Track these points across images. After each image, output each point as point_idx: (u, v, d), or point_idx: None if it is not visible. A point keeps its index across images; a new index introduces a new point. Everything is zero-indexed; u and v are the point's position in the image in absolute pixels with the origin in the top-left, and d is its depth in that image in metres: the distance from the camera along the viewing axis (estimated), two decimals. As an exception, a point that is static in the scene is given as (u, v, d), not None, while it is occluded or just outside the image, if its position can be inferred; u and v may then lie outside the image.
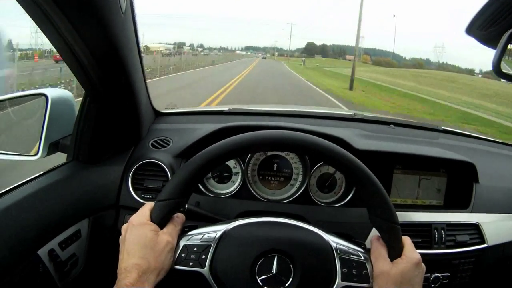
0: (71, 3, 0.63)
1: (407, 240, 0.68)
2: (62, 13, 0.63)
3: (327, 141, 0.69)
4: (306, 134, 0.69)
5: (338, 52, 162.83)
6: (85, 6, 0.65)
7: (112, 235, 0.96)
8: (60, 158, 0.99)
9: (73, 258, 0.88)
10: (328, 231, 0.70)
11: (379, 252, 0.67)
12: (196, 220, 0.85)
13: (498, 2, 0.54)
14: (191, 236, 0.67)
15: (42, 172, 0.92)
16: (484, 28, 0.61)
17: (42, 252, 0.79)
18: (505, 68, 0.65)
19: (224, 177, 1.07)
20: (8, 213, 0.76)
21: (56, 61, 20.15)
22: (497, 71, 0.64)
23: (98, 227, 0.96)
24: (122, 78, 0.88)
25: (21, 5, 0.64)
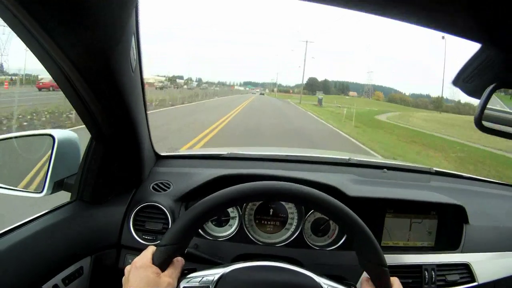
0: (90, 70, 0.74)
1: (395, 281, 0.74)
2: (78, 73, 0.73)
3: (319, 192, 0.77)
4: (300, 186, 0.77)
5: (340, 89, 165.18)
6: (101, 67, 0.75)
7: (113, 273, 1.02)
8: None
9: None
10: (320, 274, 0.77)
11: None
12: (194, 262, 0.92)
13: (479, 59, 0.58)
14: (190, 278, 0.74)
15: (47, 211, 0.99)
16: (468, 81, 0.65)
17: (46, 287, 0.85)
18: (487, 122, 0.68)
19: (222, 220, 1.14)
20: (15, 250, 0.83)
21: (40, 89, 19.58)
22: (478, 125, 0.68)
23: (100, 265, 1.02)
24: (128, 125, 0.97)
25: (41, 63, 0.73)
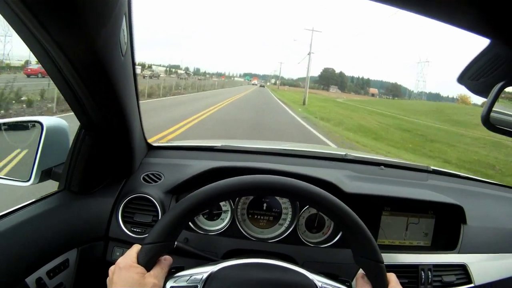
0: (77, 54, 0.76)
1: (391, 277, 0.80)
2: (65, 56, 0.76)
3: (315, 187, 0.82)
4: (295, 180, 0.82)
5: (360, 85, 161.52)
6: (88, 50, 0.77)
7: (100, 266, 1.08)
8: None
9: None
10: (313, 271, 0.82)
11: None
12: (184, 256, 0.98)
13: (487, 56, 0.59)
14: (178, 278, 0.77)
15: (33, 200, 1.05)
16: (475, 78, 0.67)
17: (30, 280, 0.91)
18: (495, 121, 0.71)
19: (214, 214, 1.21)
20: None
21: (28, 76, 19.77)
22: (485, 123, 0.71)
23: (86, 258, 1.09)
24: (118, 114, 1.01)
25: (29, 48, 0.77)
